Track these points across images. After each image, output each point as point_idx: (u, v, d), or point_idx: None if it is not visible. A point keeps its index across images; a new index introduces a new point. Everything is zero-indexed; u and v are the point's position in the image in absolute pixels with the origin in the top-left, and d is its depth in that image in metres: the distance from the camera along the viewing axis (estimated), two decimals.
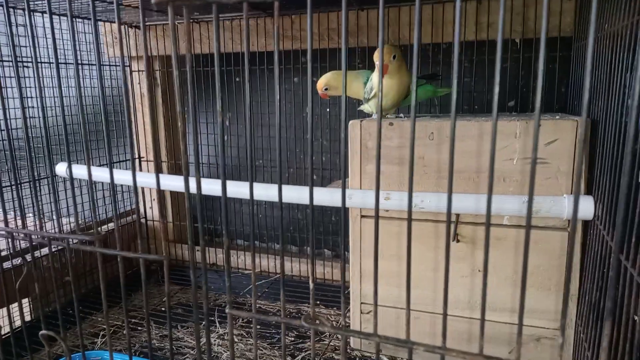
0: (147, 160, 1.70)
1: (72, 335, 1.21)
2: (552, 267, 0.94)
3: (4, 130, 0.90)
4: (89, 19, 1.48)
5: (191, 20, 1.48)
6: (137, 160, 1.68)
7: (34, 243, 0.59)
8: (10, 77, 1.33)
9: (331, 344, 1.17)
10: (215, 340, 1.18)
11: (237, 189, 1.01)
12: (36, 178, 0.75)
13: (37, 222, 0.68)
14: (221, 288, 1.52)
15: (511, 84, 1.30)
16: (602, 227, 0.79)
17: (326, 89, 1.10)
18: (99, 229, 1.56)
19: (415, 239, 1.02)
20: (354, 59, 1.44)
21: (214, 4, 0.42)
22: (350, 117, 1.22)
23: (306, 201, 0.99)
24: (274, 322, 1.27)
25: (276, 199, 0.68)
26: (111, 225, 1.60)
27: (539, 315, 0.97)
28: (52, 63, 1.47)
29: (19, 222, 0.77)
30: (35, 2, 1.16)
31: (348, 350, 1.11)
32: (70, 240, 0.53)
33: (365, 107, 1.10)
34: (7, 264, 1.14)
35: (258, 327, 1.27)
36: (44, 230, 1.18)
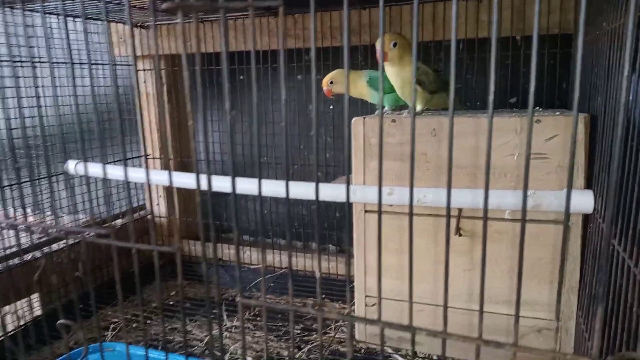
0: (153, 158, 1.72)
1: (84, 327, 1.23)
2: (553, 260, 0.96)
3: (18, 128, 0.93)
4: (101, 20, 1.51)
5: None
6: (143, 158, 1.70)
7: (51, 237, 0.61)
8: (13, 77, 1.36)
9: (337, 336, 1.19)
10: (223, 333, 1.21)
11: (246, 186, 1.04)
12: (51, 174, 0.77)
13: (54, 217, 0.71)
14: (227, 282, 1.54)
15: (513, 81, 1.32)
16: (601, 221, 0.80)
17: (331, 83, 1.13)
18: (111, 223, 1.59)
19: (418, 233, 1.04)
20: (356, 57, 1.46)
21: (222, 9, 0.44)
22: (353, 114, 1.24)
23: (312, 196, 1.01)
24: (282, 312, 1.29)
25: (283, 195, 0.70)
26: (119, 221, 1.62)
27: (540, 307, 0.99)
28: (67, 63, 1.50)
29: (30, 219, 0.80)
30: (49, 3, 1.18)
31: (353, 342, 1.14)
32: (87, 233, 0.55)
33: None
34: (16, 260, 1.17)
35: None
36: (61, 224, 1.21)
